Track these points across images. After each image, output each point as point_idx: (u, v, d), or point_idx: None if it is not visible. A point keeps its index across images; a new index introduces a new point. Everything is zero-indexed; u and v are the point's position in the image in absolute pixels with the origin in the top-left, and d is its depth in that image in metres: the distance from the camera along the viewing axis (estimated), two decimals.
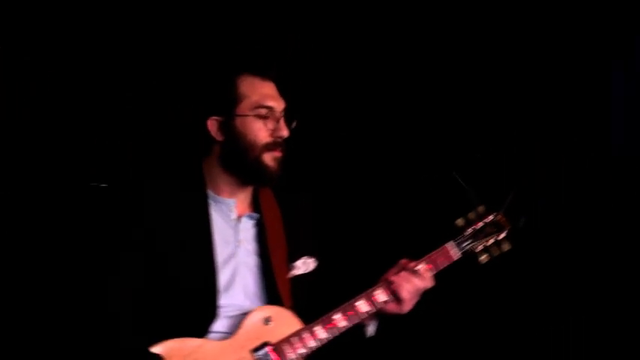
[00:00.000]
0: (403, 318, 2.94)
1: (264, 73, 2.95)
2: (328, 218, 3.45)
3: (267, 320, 2.83)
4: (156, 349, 2.67)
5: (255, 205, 3.00)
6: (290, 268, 2.99)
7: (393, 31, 4.39)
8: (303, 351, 2.82)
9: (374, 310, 2.89)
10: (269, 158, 2.89)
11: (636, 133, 4.43)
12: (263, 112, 2.88)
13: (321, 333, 2.84)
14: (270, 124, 2.90)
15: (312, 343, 2.83)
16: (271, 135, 2.90)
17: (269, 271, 2.92)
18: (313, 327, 2.84)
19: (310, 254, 3.06)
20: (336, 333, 2.85)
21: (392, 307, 2.91)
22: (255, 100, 2.88)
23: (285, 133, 2.90)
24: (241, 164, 2.90)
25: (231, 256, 2.91)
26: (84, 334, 2.76)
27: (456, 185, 3.13)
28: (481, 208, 3.07)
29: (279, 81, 2.98)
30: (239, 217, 2.95)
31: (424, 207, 3.87)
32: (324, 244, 3.14)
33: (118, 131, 3.72)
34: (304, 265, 3.03)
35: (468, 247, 3.03)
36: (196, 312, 2.79)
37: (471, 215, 3.05)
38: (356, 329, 2.92)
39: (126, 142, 3.77)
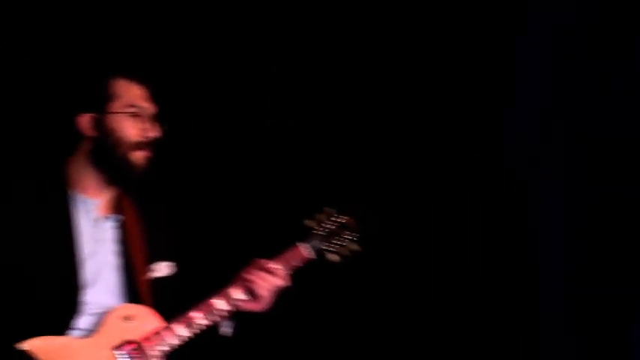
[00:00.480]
0: (261, 317, 3.43)
1: (137, 78, 3.37)
2: (186, 224, 4.02)
3: (128, 318, 3.20)
4: (24, 346, 3.01)
5: (119, 208, 3.37)
6: (149, 270, 3.36)
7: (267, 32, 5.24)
8: (163, 348, 3.20)
9: (231, 308, 3.30)
10: (137, 156, 3.27)
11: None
12: (134, 110, 3.28)
13: (181, 330, 3.20)
14: (141, 124, 3.30)
15: (172, 340, 3.20)
16: (141, 134, 3.29)
17: (130, 271, 3.30)
18: (173, 325, 3.21)
19: (169, 258, 3.43)
20: (196, 330, 3.24)
21: (249, 305, 3.33)
22: (127, 100, 3.29)
23: (153, 133, 3.30)
24: (110, 160, 3.26)
25: (93, 255, 3.23)
26: None
27: (310, 189, 4.50)
28: (332, 211, 3.59)
29: (151, 87, 3.43)
30: (102, 217, 3.31)
31: (280, 209, 4.48)
32: (182, 248, 3.65)
33: None
34: (163, 269, 3.40)
35: (319, 246, 3.51)
36: (59, 309, 3.13)
37: (322, 217, 3.56)
38: (216, 329, 3.38)
39: None
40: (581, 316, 5.20)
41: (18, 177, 3.34)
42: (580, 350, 5.15)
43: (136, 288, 3.29)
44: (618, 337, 5.05)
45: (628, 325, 5.00)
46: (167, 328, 3.18)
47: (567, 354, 5.21)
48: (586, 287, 5.19)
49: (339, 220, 3.55)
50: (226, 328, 3.39)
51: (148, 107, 3.31)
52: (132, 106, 3.26)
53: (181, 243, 3.63)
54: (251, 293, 3.28)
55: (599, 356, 5.07)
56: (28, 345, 2.99)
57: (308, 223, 3.50)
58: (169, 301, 3.31)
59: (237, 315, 3.33)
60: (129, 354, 3.14)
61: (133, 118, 3.26)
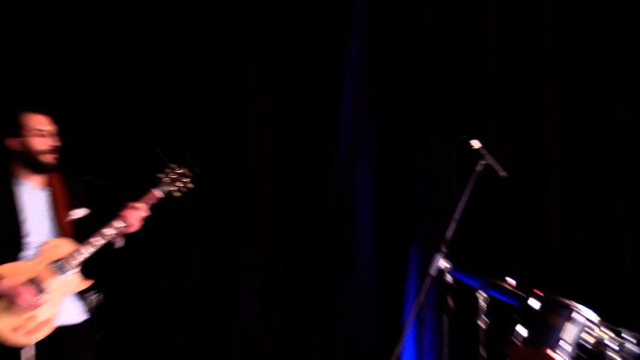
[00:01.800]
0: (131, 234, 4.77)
1: (39, 111, 4.79)
2: (91, 187, 5.12)
3: (57, 246, 4.64)
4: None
5: (49, 183, 4.81)
6: (71, 215, 4.77)
7: None
8: (79, 258, 4.61)
9: (117, 231, 4.68)
10: (46, 158, 4.71)
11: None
12: (39, 132, 4.70)
13: (87, 248, 4.63)
14: (45, 139, 4.71)
15: (84, 254, 4.62)
16: (46, 145, 4.71)
17: (57, 219, 4.75)
18: (83, 245, 4.63)
19: (83, 206, 4.87)
20: (98, 247, 4.63)
21: (126, 229, 4.72)
22: (34, 124, 4.70)
23: (54, 143, 4.73)
24: (31, 162, 4.72)
25: (33, 213, 4.70)
26: None
27: (160, 156, 4.99)
28: (173, 165, 4.93)
29: (50, 115, 4.83)
30: (35, 191, 4.74)
31: (144, 169, 5.12)
32: (90, 200, 4.95)
33: None
34: (80, 213, 4.82)
35: (167, 188, 4.88)
36: (11, 248, 4.60)
37: (168, 170, 4.92)
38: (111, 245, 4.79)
39: None
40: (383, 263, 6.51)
41: None
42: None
43: (62, 226, 4.68)
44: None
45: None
46: (79, 248, 4.58)
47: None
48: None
49: (178, 170, 4.88)
50: (119, 244, 4.74)
51: (47, 127, 4.69)
52: (37, 129, 4.65)
53: (89, 197, 4.93)
54: (126, 223, 4.64)
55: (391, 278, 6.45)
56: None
57: (159, 175, 4.84)
58: (82, 233, 4.67)
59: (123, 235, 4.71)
60: (58, 265, 4.53)
61: (39, 137, 4.65)
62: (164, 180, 4.85)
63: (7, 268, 4.49)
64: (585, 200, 6.48)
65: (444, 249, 4.97)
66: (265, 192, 6.52)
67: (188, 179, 4.91)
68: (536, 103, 6.53)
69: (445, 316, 5.01)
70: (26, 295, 4.43)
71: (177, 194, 4.90)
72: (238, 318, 6.46)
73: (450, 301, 4.96)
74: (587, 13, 6.54)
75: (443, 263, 4.96)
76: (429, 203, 6.38)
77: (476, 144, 5.12)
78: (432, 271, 4.97)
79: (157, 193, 4.80)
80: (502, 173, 5.18)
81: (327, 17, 6.74)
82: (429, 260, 5.05)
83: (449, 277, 4.97)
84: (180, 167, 4.91)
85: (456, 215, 5.04)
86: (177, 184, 4.88)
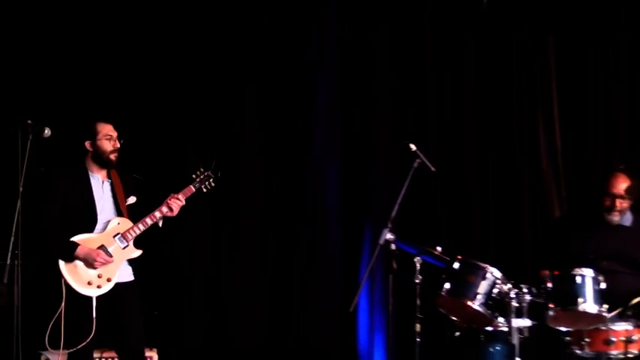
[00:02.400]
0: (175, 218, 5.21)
1: (108, 120, 5.21)
2: (141, 182, 5.46)
3: (118, 223, 5.10)
4: (74, 239, 4.95)
5: (109, 177, 5.22)
6: (127, 200, 5.22)
7: None
8: (135, 232, 5.08)
9: (162, 214, 5.15)
10: (111, 157, 5.14)
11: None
12: (108, 136, 5.14)
13: (140, 226, 5.10)
14: (112, 141, 5.15)
15: (139, 229, 5.10)
16: (113, 146, 5.15)
17: (117, 202, 5.17)
18: (137, 224, 5.10)
19: (133, 195, 5.28)
20: (148, 225, 5.11)
21: (169, 214, 5.16)
22: (104, 132, 5.14)
23: (117, 145, 5.16)
24: (100, 160, 5.15)
25: (100, 199, 5.14)
26: (34, 236, 4.93)
27: (194, 160, 5.59)
28: (202, 169, 5.35)
29: (115, 124, 5.22)
30: (103, 182, 5.20)
31: (183, 172, 5.57)
32: (136, 189, 5.33)
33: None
34: (132, 199, 5.25)
35: (199, 185, 5.31)
36: (86, 224, 5.05)
37: (199, 172, 5.34)
38: (157, 224, 5.20)
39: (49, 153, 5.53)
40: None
41: (68, 169, 5.13)
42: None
43: (122, 209, 5.14)
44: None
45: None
46: (135, 225, 5.06)
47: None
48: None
49: (207, 172, 5.33)
50: (160, 223, 5.16)
51: (114, 133, 5.13)
52: (107, 134, 5.10)
53: (136, 187, 5.30)
54: (170, 209, 5.11)
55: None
56: (76, 238, 4.90)
57: (193, 176, 5.29)
58: (134, 214, 5.15)
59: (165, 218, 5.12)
60: (119, 238, 5.01)
61: (107, 140, 5.10)
62: (197, 179, 5.29)
63: (82, 237, 4.93)
64: (496, 186, 6.72)
65: (389, 225, 5.09)
66: (260, 182, 6.77)
67: (212, 179, 5.34)
68: (460, 116, 6.78)
69: (390, 275, 5.14)
70: (99, 257, 4.86)
71: (205, 190, 5.32)
72: (237, 277, 6.75)
73: (394, 264, 5.12)
74: (498, 49, 6.75)
75: (389, 236, 5.09)
76: (380, 191, 6.59)
77: (413, 147, 5.26)
78: (381, 242, 5.10)
79: (192, 188, 5.24)
80: (433, 169, 5.33)
81: (301, 60, 6.94)
82: (378, 234, 5.18)
83: (393, 246, 5.10)
84: (207, 170, 5.34)
85: (399, 200, 5.17)
86: (205, 182, 5.32)
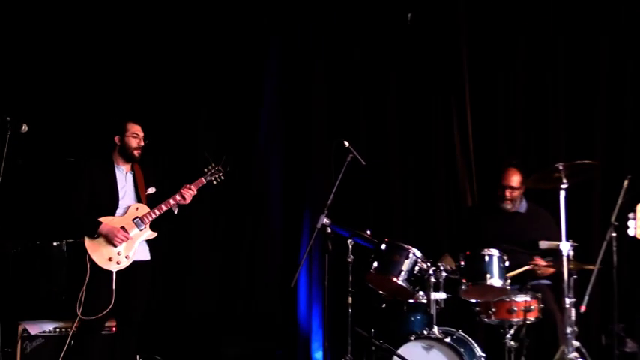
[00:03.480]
0: (188, 205, 5.30)
1: (136, 121, 5.29)
2: (159, 175, 5.65)
3: (137, 209, 5.20)
4: (101, 219, 5.04)
5: (133, 169, 5.30)
6: (147, 190, 5.28)
7: None
8: (152, 217, 5.17)
9: (176, 202, 5.22)
10: (136, 152, 5.25)
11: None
12: (135, 135, 5.25)
13: (156, 211, 5.18)
14: (137, 140, 5.25)
15: (155, 213, 5.18)
16: (138, 144, 5.25)
17: (138, 191, 5.27)
18: (154, 210, 5.18)
19: (153, 186, 5.35)
20: (164, 211, 5.19)
21: (182, 202, 5.22)
22: (132, 131, 5.25)
23: (142, 143, 5.27)
24: (126, 154, 5.25)
25: (124, 187, 5.24)
26: (64, 216, 5.27)
27: (207, 157, 5.43)
28: (214, 165, 5.37)
29: (142, 125, 5.32)
30: (127, 173, 5.29)
31: (196, 165, 5.59)
32: (158, 182, 5.43)
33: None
34: (151, 190, 5.33)
35: (209, 178, 5.35)
36: (109, 207, 5.15)
37: (210, 167, 5.36)
38: (171, 211, 5.28)
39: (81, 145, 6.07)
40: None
41: (98, 160, 5.25)
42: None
43: (141, 198, 5.25)
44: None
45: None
46: (151, 211, 5.17)
47: None
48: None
49: (217, 167, 5.37)
50: (175, 210, 5.26)
51: (140, 133, 5.27)
52: (134, 133, 5.24)
53: (158, 180, 5.43)
54: (183, 197, 5.22)
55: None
56: (102, 219, 5.04)
57: (205, 170, 5.36)
58: (152, 202, 5.24)
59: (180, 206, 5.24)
60: (137, 221, 5.12)
61: (134, 138, 5.24)
62: (208, 172, 5.37)
63: (106, 218, 5.07)
64: (417, 179, 6.72)
65: (325, 211, 5.15)
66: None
67: (222, 173, 5.40)
68: (385, 118, 6.77)
69: (326, 255, 5.17)
70: (120, 234, 5.01)
71: (215, 182, 5.40)
72: (192, 255, 6.85)
73: (330, 245, 5.16)
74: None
75: (325, 221, 5.14)
76: (317, 182, 6.59)
77: (346, 144, 5.31)
78: (318, 226, 5.14)
79: (203, 180, 5.33)
80: (363, 163, 5.35)
81: (250, 66, 6.98)
82: (316, 219, 5.21)
83: (329, 230, 5.15)
84: (218, 166, 5.40)
85: (334, 189, 5.22)
86: (215, 176, 5.39)
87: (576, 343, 4.81)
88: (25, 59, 6.41)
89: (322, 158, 6.42)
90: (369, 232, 5.36)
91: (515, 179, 5.48)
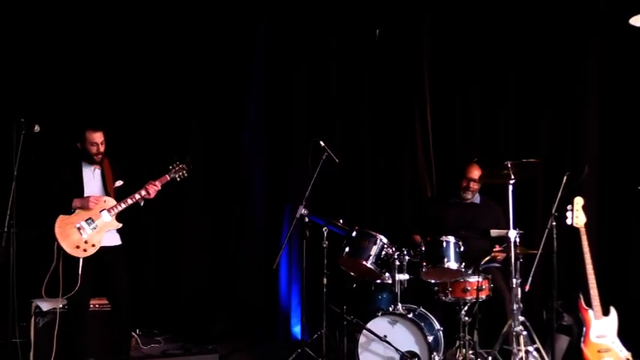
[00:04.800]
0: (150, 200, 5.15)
1: (96, 128, 5.10)
2: (127, 167, 5.36)
3: (104, 201, 5.05)
4: (75, 202, 4.99)
5: (101, 165, 5.14)
6: (114, 183, 5.14)
7: None
8: (118, 209, 5.04)
9: (141, 197, 5.08)
10: (96, 158, 5.09)
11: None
12: (92, 142, 5.06)
13: (122, 204, 5.04)
14: (96, 147, 5.06)
15: (121, 206, 5.05)
16: (97, 150, 5.06)
17: (106, 185, 5.13)
18: (120, 202, 5.04)
19: (120, 179, 5.20)
20: (129, 204, 5.05)
21: (147, 196, 5.08)
22: (90, 140, 5.06)
23: (102, 149, 5.09)
24: (87, 158, 5.10)
25: (90, 181, 5.13)
26: (43, 204, 5.07)
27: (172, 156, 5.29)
28: (178, 162, 5.22)
29: (103, 130, 5.13)
30: (93, 169, 5.15)
31: (163, 163, 5.33)
32: (125, 174, 5.27)
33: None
34: (118, 182, 5.17)
35: (173, 175, 5.19)
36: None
37: (175, 165, 5.20)
38: (138, 204, 5.14)
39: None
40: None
41: (65, 161, 5.16)
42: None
43: (109, 191, 5.13)
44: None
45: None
46: (117, 204, 5.05)
47: None
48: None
49: (182, 165, 5.24)
50: (141, 203, 5.13)
51: (99, 139, 5.07)
52: (92, 141, 5.06)
53: (125, 172, 5.26)
54: (147, 192, 5.08)
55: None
56: (75, 202, 4.98)
57: (170, 167, 5.22)
58: (121, 194, 5.12)
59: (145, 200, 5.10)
60: (105, 212, 5.00)
61: (92, 145, 5.07)
62: (172, 170, 5.24)
63: (76, 211, 5.02)
64: (384, 174, 6.69)
65: (304, 203, 5.22)
66: (201, 172, 6.62)
67: (185, 171, 5.27)
68: (358, 122, 6.75)
69: (304, 241, 5.28)
70: (91, 200, 4.98)
71: (178, 179, 5.26)
72: (184, 240, 6.84)
73: (307, 233, 5.27)
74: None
75: (303, 211, 5.22)
76: (296, 177, 6.49)
77: (322, 143, 5.32)
78: (297, 215, 5.22)
79: (167, 177, 5.21)
80: (337, 160, 5.39)
81: (237, 69, 6.90)
82: (295, 209, 5.29)
83: (306, 219, 5.24)
84: (182, 163, 5.28)
85: (311, 183, 5.27)
86: (180, 173, 5.25)
87: (521, 318, 4.85)
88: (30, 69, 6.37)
89: (300, 156, 6.34)
90: (341, 221, 5.35)
91: (476, 173, 5.53)
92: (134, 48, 6.60)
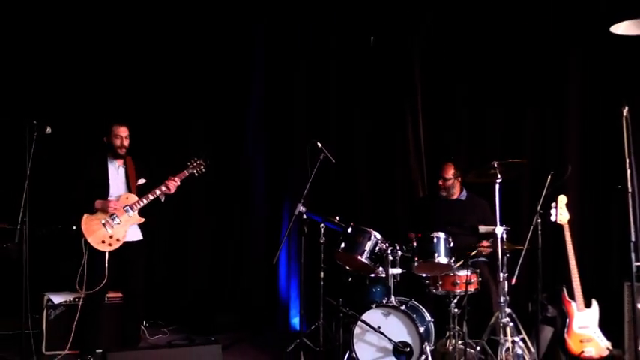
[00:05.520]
0: (173, 195, 5.15)
1: (122, 123, 5.14)
2: (150, 168, 5.37)
3: (127, 198, 5.04)
4: (97, 204, 4.96)
5: (125, 164, 5.14)
6: (137, 181, 5.12)
7: None
8: (140, 205, 5.02)
9: (162, 192, 5.07)
10: (120, 151, 5.09)
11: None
12: (117, 135, 5.09)
13: (144, 200, 5.02)
14: (120, 139, 5.08)
15: (143, 202, 5.03)
16: (121, 143, 5.08)
17: (129, 182, 5.11)
18: (142, 198, 5.03)
19: (144, 177, 5.19)
20: (150, 200, 5.04)
21: (167, 192, 5.07)
22: (118, 132, 5.09)
23: (126, 143, 5.13)
24: (113, 151, 5.11)
25: (115, 178, 5.10)
26: (70, 198, 5.10)
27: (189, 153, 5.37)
28: (196, 159, 5.23)
29: (128, 125, 5.17)
30: (118, 166, 5.14)
31: (182, 159, 5.35)
32: (149, 174, 5.25)
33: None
34: (141, 181, 5.16)
35: (192, 171, 5.17)
36: (101, 196, 5.00)
37: (193, 161, 5.21)
38: (158, 200, 5.13)
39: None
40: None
41: (94, 156, 5.19)
42: None
43: (132, 188, 5.14)
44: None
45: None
46: (139, 200, 5.06)
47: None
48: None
49: (199, 161, 5.26)
50: (162, 198, 5.15)
51: (124, 133, 5.14)
52: (117, 134, 5.12)
53: (148, 172, 5.28)
54: (168, 188, 5.09)
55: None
56: (97, 203, 4.99)
57: (188, 163, 5.24)
58: (143, 192, 5.12)
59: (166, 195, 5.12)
60: (127, 208, 5.01)
61: (116, 138, 5.13)
62: (190, 166, 5.24)
63: (102, 201, 5.02)
64: (378, 174, 6.57)
65: (302, 201, 5.22)
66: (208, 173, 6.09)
67: (203, 167, 5.27)
68: (352, 125, 6.68)
69: (302, 237, 5.27)
70: (112, 204, 4.97)
71: (196, 175, 5.26)
72: (190, 238, 6.94)
73: (305, 229, 5.27)
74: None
75: (301, 208, 5.22)
76: (295, 177, 6.45)
77: (319, 144, 5.37)
78: (296, 213, 5.22)
79: (186, 173, 5.20)
80: (333, 161, 5.41)
81: (238, 69, 7.00)
82: (294, 207, 5.29)
83: (304, 216, 5.25)
84: (199, 159, 5.29)
85: (309, 183, 5.26)
86: (197, 169, 5.25)
87: (508, 310, 4.84)
88: (42, 72, 6.42)
89: (299, 157, 6.26)
90: (337, 218, 5.35)
91: (449, 172, 5.53)
92: (139, 51, 6.70)
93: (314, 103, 6.81)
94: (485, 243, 5.17)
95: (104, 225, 5.00)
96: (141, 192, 5.17)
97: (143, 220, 5.13)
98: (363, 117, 6.71)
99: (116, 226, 5.00)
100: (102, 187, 5.08)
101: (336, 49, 6.76)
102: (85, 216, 4.98)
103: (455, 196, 5.64)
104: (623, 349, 5.00)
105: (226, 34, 6.84)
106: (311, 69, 6.84)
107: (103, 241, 4.97)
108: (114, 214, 5.01)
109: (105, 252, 4.96)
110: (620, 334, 5.05)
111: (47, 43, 6.42)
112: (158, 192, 5.09)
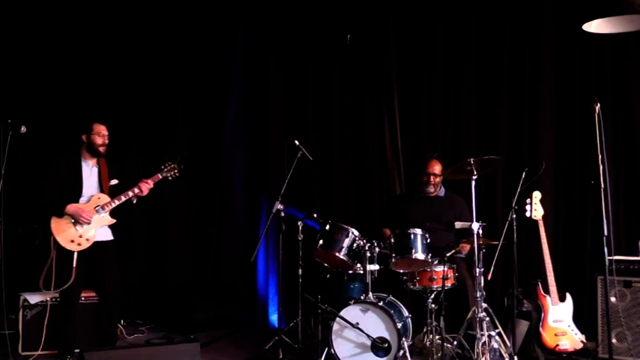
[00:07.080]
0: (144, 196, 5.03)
1: (101, 122, 5.05)
2: (122, 168, 5.25)
3: (99, 198, 4.95)
4: (68, 209, 4.84)
5: (98, 163, 5.04)
6: (110, 182, 5.01)
7: None
8: (111, 205, 4.92)
9: (134, 194, 4.96)
10: (101, 149, 5.01)
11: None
12: (100, 133, 5.00)
13: (116, 201, 4.92)
14: (102, 138, 5.00)
15: (115, 203, 4.92)
16: (102, 142, 5.00)
17: (101, 182, 5.01)
18: (113, 199, 4.93)
19: (116, 178, 5.08)
20: (122, 201, 4.94)
21: (139, 194, 4.97)
22: (98, 130, 5.00)
23: (106, 140, 5.02)
24: (92, 150, 5.01)
25: (88, 178, 4.99)
26: (39, 201, 4.94)
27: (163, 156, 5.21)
28: (170, 162, 5.10)
29: (107, 123, 5.07)
30: (92, 166, 5.03)
31: (155, 163, 5.23)
32: (120, 175, 5.12)
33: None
34: (114, 181, 5.04)
35: (165, 174, 5.07)
36: (74, 195, 4.92)
37: (167, 164, 5.09)
38: (130, 201, 5.01)
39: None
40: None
41: (63, 155, 5.04)
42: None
43: (104, 188, 5.02)
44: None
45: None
46: (111, 201, 4.94)
47: None
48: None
49: (172, 164, 5.12)
50: (133, 200, 5.00)
51: (105, 132, 5.02)
52: (98, 132, 5.00)
53: (120, 173, 5.14)
54: (140, 190, 4.97)
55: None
56: (68, 208, 4.83)
57: (162, 167, 5.10)
58: (115, 192, 4.99)
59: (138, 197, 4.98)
60: (99, 208, 4.90)
61: (99, 136, 5.00)
62: (164, 169, 5.12)
63: (70, 205, 4.87)
64: (355, 171, 6.57)
65: (280, 198, 5.20)
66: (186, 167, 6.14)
67: (176, 170, 5.14)
68: (330, 123, 6.63)
69: (280, 234, 5.24)
70: (84, 213, 4.84)
71: (170, 178, 5.14)
72: (168, 232, 6.87)
73: (283, 226, 5.25)
74: None
75: (279, 206, 5.21)
76: (273, 174, 6.41)
77: (296, 142, 5.32)
78: (274, 210, 5.20)
79: (159, 175, 5.09)
80: (310, 158, 5.42)
81: (219, 69, 6.93)
82: (272, 204, 5.26)
83: (282, 213, 5.22)
84: (173, 163, 5.16)
85: (287, 180, 5.25)
86: (171, 172, 5.13)
87: (484, 305, 4.85)
88: (16, 70, 6.34)
89: (277, 154, 6.29)
90: (315, 216, 5.36)
91: (437, 168, 5.56)
92: (120, 50, 6.62)
93: (291, 101, 6.78)
94: (466, 246, 5.22)
95: (74, 224, 4.90)
96: (112, 192, 5.06)
97: (114, 220, 5.04)
98: (339, 115, 6.69)
99: (86, 226, 4.91)
100: (75, 187, 4.97)
101: (313, 47, 6.72)
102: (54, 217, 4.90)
103: (434, 193, 5.67)
104: (597, 342, 5.05)
105: (208, 32, 6.81)
106: (288, 66, 6.80)
107: (72, 241, 4.88)
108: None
109: (73, 252, 4.87)
110: (593, 328, 5.09)
111: (22, 41, 6.33)
112: (131, 193, 4.98)
